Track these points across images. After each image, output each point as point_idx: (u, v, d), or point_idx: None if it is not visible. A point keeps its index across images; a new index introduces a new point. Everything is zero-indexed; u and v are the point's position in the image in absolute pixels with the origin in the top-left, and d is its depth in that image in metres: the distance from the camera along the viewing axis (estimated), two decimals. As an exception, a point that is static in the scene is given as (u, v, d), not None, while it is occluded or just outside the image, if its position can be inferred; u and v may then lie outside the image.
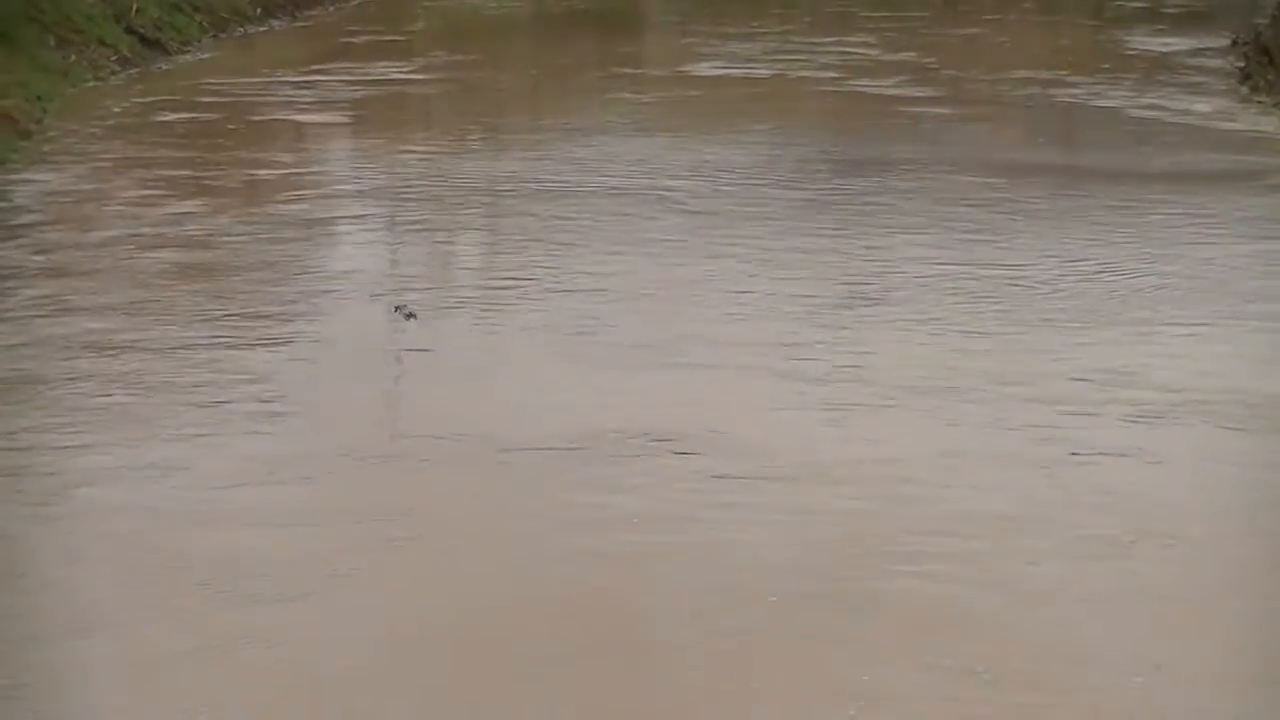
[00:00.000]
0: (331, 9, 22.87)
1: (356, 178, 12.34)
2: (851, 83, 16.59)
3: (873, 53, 18.46)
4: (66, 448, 6.80)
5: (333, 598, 5.53)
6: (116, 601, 5.53)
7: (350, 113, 15.19)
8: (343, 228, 10.70)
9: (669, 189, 11.43)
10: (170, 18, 18.97)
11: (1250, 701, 5.04)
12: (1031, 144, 13.76)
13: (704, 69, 17.73)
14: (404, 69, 17.57)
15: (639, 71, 18.03)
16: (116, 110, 14.91)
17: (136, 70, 17.17)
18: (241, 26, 20.32)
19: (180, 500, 6.27)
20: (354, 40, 19.85)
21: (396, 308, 8.60)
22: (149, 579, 5.68)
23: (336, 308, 8.78)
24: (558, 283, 9.08)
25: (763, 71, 17.40)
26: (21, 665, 5.14)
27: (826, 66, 17.53)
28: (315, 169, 12.70)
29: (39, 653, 5.21)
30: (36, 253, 9.88)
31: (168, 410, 7.20)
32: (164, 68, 17.57)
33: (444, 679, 5.10)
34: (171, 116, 14.55)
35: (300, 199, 11.33)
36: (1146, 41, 19.60)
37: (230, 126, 14.17)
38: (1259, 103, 15.03)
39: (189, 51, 18.51)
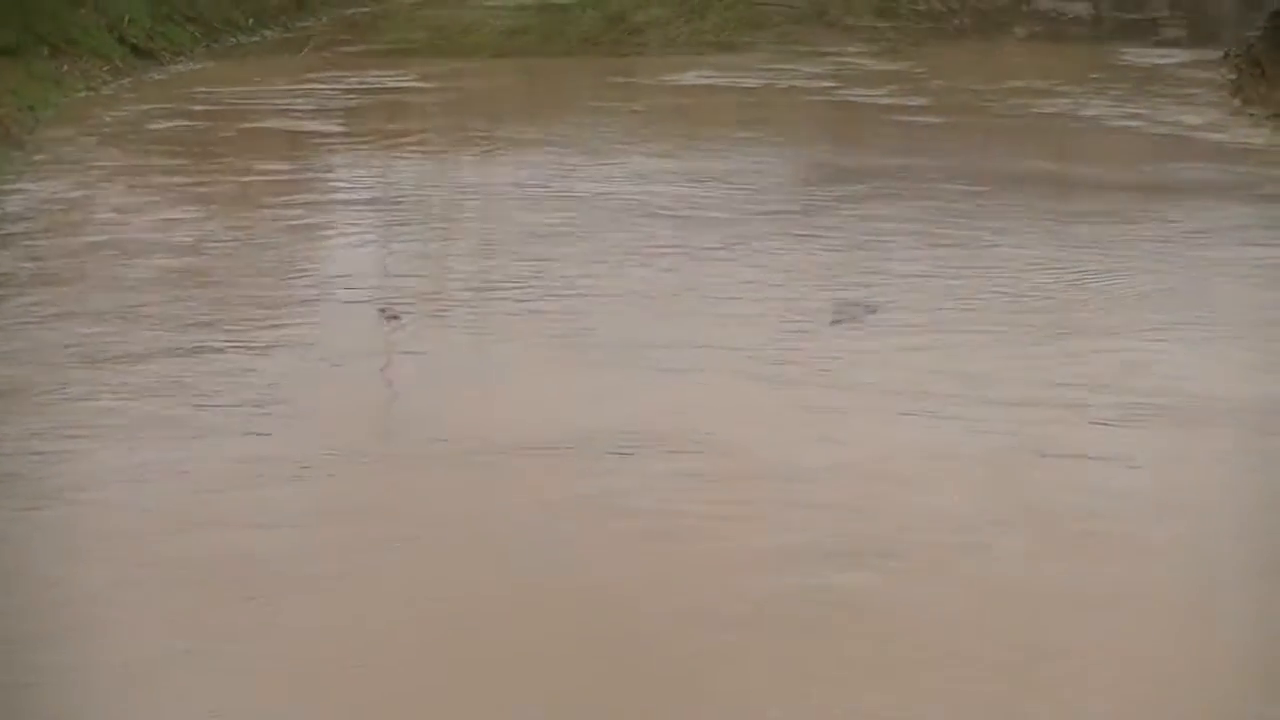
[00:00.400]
0: (324, 19, 22.89)
1: (349, 185, 12.37)
2: (842, 92, 16.66)
3: (865, 62, 18.51)
4: (60, 451, 6.83)
5: (327, 597, 5.56)
6: (114, 601, 5.56)
7: (343, 121, 15.22)
8: (335, 233, 10.74)
9: (659, 195, 11.47)
10: (163, 28, 19.00)
11: (1222, 698, 5.09)
12: (1019, 153, 13.79)
13: (696, 78, 17.77)
14: (397, 78, 17.59)
15: (632, 80, 18.06)
16: (109, 119, 14.94)
17: (129, 80, 17.19)
18: (234, 37, 20.34)
19: (176, 502, 6.30)
20: (347, 50, 19.87)
21: (381, 309, 8.66)
22: (146, 579, 5.71)
23: (329, 312, 8.81)
24: (549, 288, 9.11)
25: (753, 81, 17.45)
26: (21, 664, 5.17)
27: (817, 75, 17.58)
28: (308, 176, 12.74)
29: (38, 652, 5.23)
30: (29, 260, 9.91)
31: (162, 414, 7.22)
32: (156, 77, 17.60)
33: (440, 677, 5.13)
34: (164, 125, 14.59)
35: (292, 205, 11.36)
36: (1138, 53, 19.65)
37: (223, 134, 14.20)
38: (1250, 115, 15.07)
39: (181, 61, 18.54)
